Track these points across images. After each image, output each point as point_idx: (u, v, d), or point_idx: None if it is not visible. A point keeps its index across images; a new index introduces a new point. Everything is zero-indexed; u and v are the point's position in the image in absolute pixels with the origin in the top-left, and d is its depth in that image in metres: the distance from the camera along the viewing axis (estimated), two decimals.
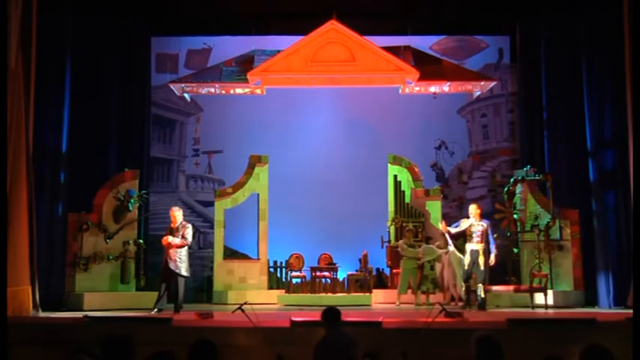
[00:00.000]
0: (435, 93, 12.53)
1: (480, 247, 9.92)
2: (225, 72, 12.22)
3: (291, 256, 12.03)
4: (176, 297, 9.44)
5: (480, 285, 9.86)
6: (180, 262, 9.42)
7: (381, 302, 11.39)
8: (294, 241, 12.42)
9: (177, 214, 9.68)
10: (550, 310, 9.98)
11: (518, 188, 11.37)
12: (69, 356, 3.93)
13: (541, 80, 12.15)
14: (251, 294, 10.57)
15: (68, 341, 6.59)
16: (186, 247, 9.52)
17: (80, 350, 3.96)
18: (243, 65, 12.13)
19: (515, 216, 11.27)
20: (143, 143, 12.54)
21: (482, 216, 10.38)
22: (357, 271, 11.84)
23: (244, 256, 12.36)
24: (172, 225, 9.63)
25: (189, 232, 9.54)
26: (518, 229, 11.27)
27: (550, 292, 10.36)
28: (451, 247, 10.60)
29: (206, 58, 13.63)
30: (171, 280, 9.44)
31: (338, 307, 5.54)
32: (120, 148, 12.19)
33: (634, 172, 9.25)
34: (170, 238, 9.47)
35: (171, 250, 9.43)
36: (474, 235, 9.98)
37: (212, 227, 12.52)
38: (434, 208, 12.17)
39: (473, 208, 10.22)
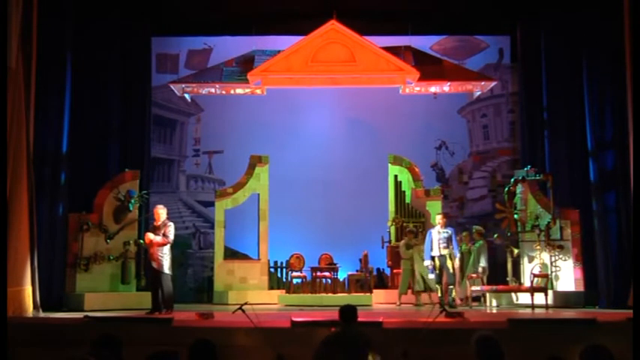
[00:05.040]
0: (435, 93, 12.53)
1: (446, 252, 10.62)
2: (226, 72, 12.23)
3: (292, 256, 12.02)
4: (165, 295, 9.31)
5: (451, 287, 10.70)
6: (163, 260, 9.28)
7: (381, 302, 11.38)
8: (294, 242, 12.41)
9: (161, 212, 9.57)
10: (550, 310, 9.98)
11: (519, 188, 11.36)
12: (81, 356, 3.94)
13: (541, 80, 12.14)
14: (252, 294, 10.58)
15: (69, 341, 6.61)
16: (168, 246, 9.38)
17: (93, 353, 3.97)
18: (244, 65, 12.13)
19: (515, 216, 11.26)
20: (143, 143, 12.55)
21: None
22: (357, 271, 11.85)
23: (245, 257, 12.35)
24: (155, 223, 9.55)
25: (171, 230, 9.39)
26: (519, 229, 11.26)
27: (550, 292, 10.36)
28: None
29: (206, 59, 13.65)
30: (157, 280, 9.36)
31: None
32: (120, 148, 12.19)
33: (634, 172, 9.25)
34: (152, 236, 9.35)
35: (152, 249, 9.35)
36: (440, 242, 10.61)
37: (212, 227, 12.53)
38: (434, 208, 12.16)
39: (439, 218, 10.93)
